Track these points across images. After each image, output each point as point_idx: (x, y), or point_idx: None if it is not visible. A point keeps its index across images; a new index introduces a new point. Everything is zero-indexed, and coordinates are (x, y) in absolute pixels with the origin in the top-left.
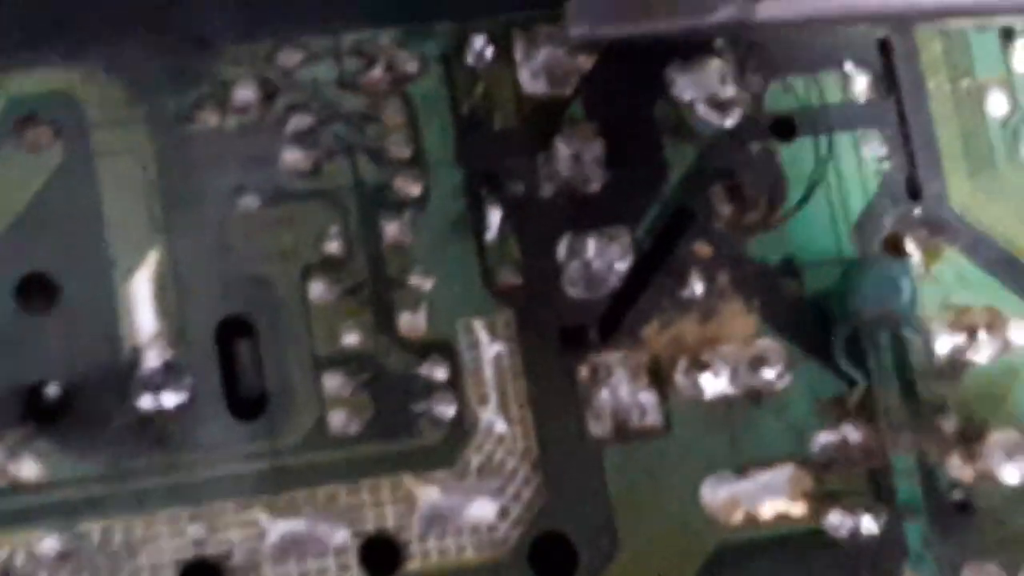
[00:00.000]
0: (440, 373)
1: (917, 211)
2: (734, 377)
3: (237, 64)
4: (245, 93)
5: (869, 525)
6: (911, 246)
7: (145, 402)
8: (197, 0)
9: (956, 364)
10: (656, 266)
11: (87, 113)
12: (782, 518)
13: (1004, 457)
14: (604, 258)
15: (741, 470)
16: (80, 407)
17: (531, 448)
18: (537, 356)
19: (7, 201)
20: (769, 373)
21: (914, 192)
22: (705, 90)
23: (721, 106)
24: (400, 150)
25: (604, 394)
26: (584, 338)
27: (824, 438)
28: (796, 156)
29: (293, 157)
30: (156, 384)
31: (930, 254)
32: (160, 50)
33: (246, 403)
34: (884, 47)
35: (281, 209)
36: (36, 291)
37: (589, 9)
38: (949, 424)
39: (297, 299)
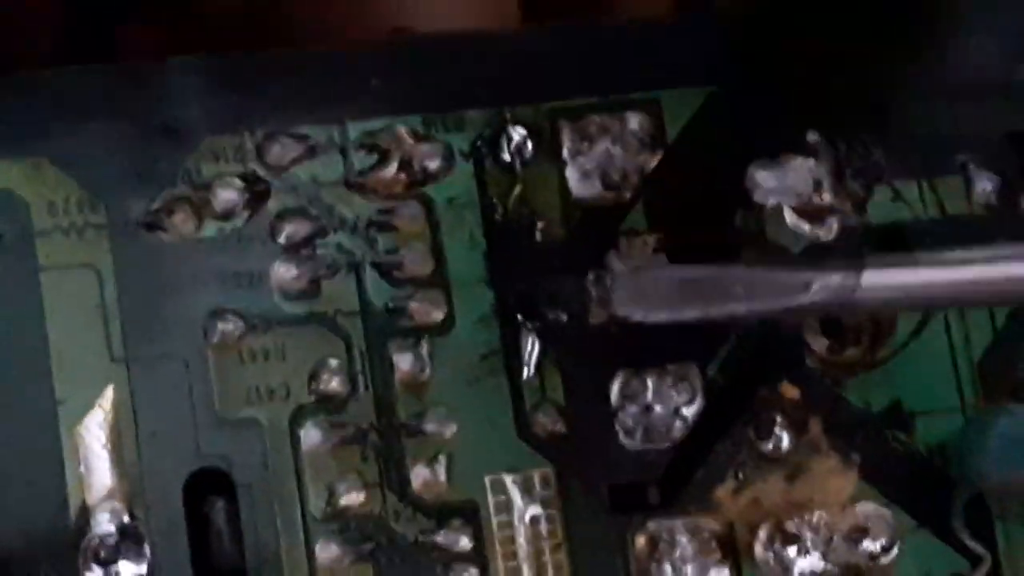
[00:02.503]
0: (462, 542)
1: None
2: (828, 551)
3: (217, 159)
4: (227, 195)
5: None
6: None
7: (95, 575)
8: (168, 82)
9: None
10: (732, 412)
11: (32, 217)
12: None
13: None
14: (668, 402)
15: None
16: None
17: None
18: (583, 522)
19: None
20: (872, 547)
21: None
22: (795, 195)
23: (815, 215)
24: (418, 266)
25: (666, 570)
26: (642, 500)
27: None
28: None
29: (286, 273)
30: (109, 553)
31: None
32: (123, 141)
33: None
34: (1017, 142)
35: (269, 337)
36: None
37: (645, 292)
38: None
39: (286, 449)
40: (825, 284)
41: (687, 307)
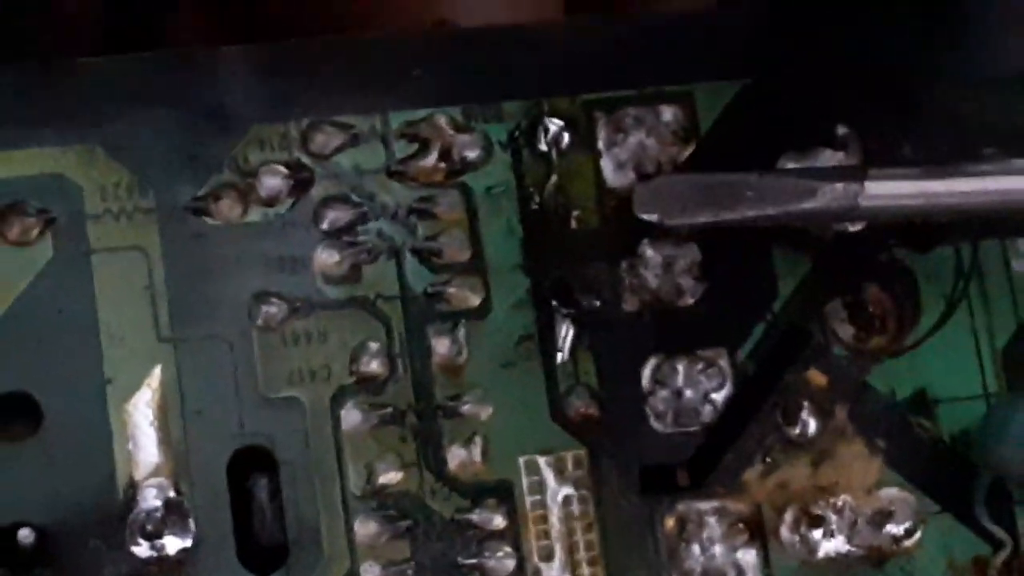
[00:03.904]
0: (496, 520)
1: None
2: (852, 534)
3: (263, 147)
4: (272, 182)
5: None
6: None
7: (141, 549)
8: (217, 70)
9: None
10: (761, 398)
11: (83, 201)
12: None
13: None
14: (698, 387)
15: None
16: (61, 555)
17: None
18: (614, 502)
19: None
20: (895, 530)
21: None
22: None
23: None
24: (456, 252)
25: (694, 551)
26: (671, 482)
27: None
28: (932, 268)
29: (328, 258)
30: (155, 527)
31: None
32: (172, 128)
33: (262, 552)
34: None
35: (311, 320)
36: (14, 414)
37: (663, 196)
38: None
39: (327, 428)
40: (831, 189)
41: (702, 211)
